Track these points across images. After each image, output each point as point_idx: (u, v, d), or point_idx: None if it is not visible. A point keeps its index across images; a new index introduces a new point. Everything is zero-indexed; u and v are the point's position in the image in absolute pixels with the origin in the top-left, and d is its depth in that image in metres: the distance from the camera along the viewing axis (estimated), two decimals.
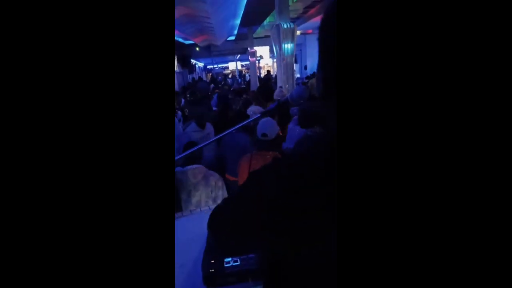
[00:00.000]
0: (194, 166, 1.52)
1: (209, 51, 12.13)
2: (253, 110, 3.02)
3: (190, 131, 2.43)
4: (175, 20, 5.50)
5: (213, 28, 6.80)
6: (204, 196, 1.49)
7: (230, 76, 16.52)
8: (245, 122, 0.82)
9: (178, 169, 1.53)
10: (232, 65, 18.72)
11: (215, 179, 1.54)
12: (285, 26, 3.95)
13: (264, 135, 1.64)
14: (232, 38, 10.75)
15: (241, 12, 5.94)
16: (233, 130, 0.80)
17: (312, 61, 10.28)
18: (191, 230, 0.97)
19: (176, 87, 9.25)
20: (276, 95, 3.67)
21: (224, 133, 0.86)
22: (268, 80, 6.27)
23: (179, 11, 4.75)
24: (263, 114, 0.82)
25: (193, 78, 11.66)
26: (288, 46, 4.08)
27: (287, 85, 4.26)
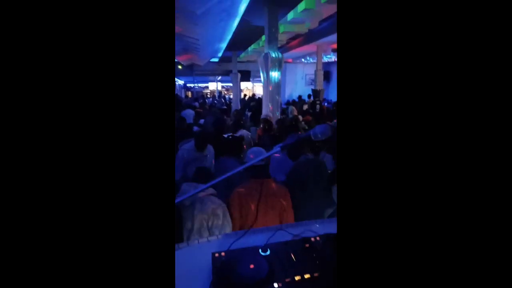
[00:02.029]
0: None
1: (191, 70, 12.19)
2: (242, 134, 3.04)
3: (186, 148, 2.32)
4: None
5: (199, 49, 6.90)
6: (198, 224, 1.39)
7: (209, 95, 16.58)
8: (261, 158, 0.82)
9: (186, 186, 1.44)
10: (212, 85, 18.87)
11: (214, 206, 1.43)
12: (273, 55, 4.14)
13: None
14: (215, 59, 10.96)
15: (228, 37, 6.13)
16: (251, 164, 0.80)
17: (291, 88, 10.75)
18: (185, 267, 0.90)
19: None
20: (262, 117, 3.76)
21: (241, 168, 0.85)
22: (259, 104, 6.42)
23: None
24: (282, 149, 0.83)
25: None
26: (275, 74, 4.25)
27: (272, 109, 4.38)
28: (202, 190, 1.37)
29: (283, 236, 0.95)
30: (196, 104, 7.42)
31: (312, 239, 0.86)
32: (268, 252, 0.87)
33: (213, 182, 0.85)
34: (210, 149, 2.42)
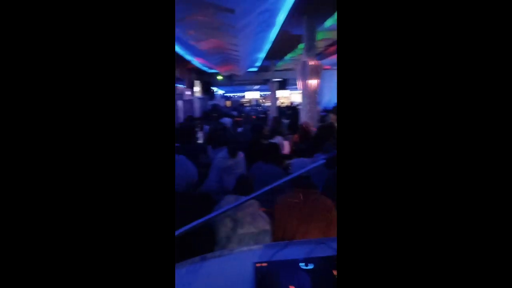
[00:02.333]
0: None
1: (230, 80, 12.64)
2: (278, 141, 3.05)
3: (220, 157, 2.42)
4: (205, 51, 5.84)
5: (239, 60, 7.14)
6: (247, 238, 1.41)
7: (247, 104, 16.97)
8: (306, 169, 0.82)
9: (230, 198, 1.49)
10: (248, 95, 19.29)
11: (263, 223, 1.43)
12: (312, 63, 4.11)
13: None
14: (254, 69, 11.23)
15: (267, 47, 6.25)
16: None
17: (329, 95, 10.47)
18: (227, 275, 0.92)
19: (198, 112, 9.57)
20: (300, 125, 3.74)
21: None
22: (295, 112, 6.43)
23: (210, 44, 5.05)
24: (327, 161, 0.81)
25: (213, 105, 12.12)
26: (313, 82, 4.20)
27: (311, 117, 4.32)
28: (245, 202, 1.40)
29: (324, 251, 0.93)
30: (234, 113, 7.64)
31: None
32: (311, 266, 0.85)
33: (257, 193, 0.87)
34: (240, 155, 2.48)
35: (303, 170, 0.82)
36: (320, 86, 4.45)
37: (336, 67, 9.75)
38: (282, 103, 13.28)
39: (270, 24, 4.29)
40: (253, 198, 1.15)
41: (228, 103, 17.16)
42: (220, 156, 2.43)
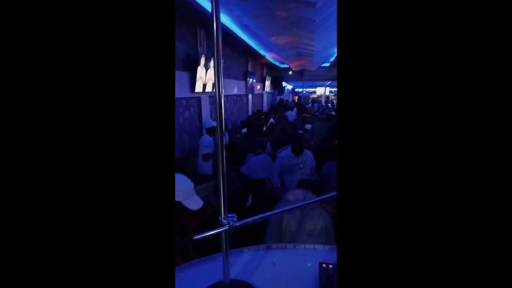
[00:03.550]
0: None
1: (301, 75, 12.48)
2: None
3: (284, 156, 2.33)
4: (279, 46, 5.89)
5: (312, 54, 6.97)
6: (316, 234, 1.40)
7: (316, 101, 16.51)
8: None
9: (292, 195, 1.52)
10: (319, 90, 18.68)
11: (327, 218, 1.43)
12: None
13: None
14: (326, 64, 10.78)
15: None
16: None
17: None
18: (291, 269, 0.93)
19: (266, 107, 9.81)
20: None
21: None
22: None
23: (286, 39, 5.06)
24: None
25: (280, 99, 12.23)
26: None
27: None
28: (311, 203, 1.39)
29: None
30: (296, 109, 7.53)
31: None
32: None
33: (323, 197, 0.85)
34: (308, 154, 2.30)
35: None
36: None
37: None
38: None
39: None
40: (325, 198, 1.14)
41: (296, 98, 17.01)
42: (283, 154, 2.33)
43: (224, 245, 0.70)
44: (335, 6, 3.17)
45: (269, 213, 0.88)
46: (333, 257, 0.95)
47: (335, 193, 0.87)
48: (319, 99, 17.10)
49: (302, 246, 1.07)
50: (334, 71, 10.90)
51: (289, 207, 1.20)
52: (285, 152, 2.36)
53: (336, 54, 8.15)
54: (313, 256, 0.97)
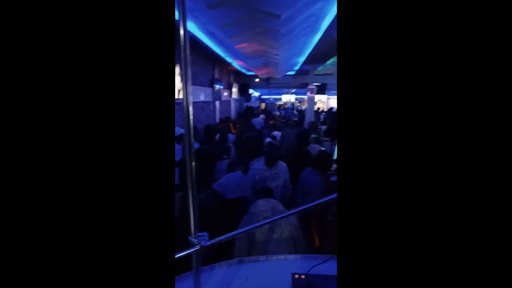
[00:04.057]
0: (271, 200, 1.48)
1: (267, 83, 12.73)
2: (315, 149, 2.97)
3: (257, 168, 2.21)
4: (246, 54, 5.96)
5: (278, 63, 7.16)
6: (284, 241, 1.38)
7: (282, 108, 16.93)
8: None
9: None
10: (285, 97, 19.22)
11: (294, 224, 1.41)
12: None
13: None
14: (292, 73, 11.17)
15: (308, 51, 6.17)
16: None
17: None
18: (263, 282, 0.91)
19: (234, 114, 9.80)
20: None
21: None
22: (334, 117, 6.30)
23: (252, 47, 5.13)
24: None
25: (247, 106, 12.33)
26: None
27: None
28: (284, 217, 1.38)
29: None
30: (263, 116, 7.69)
31: None
32: None
33: (297, 209, 0.86)
34: (281, 166, 2.22)
35: None
36: None
37: None
38: (318, 108, 13.04)
39: (314, 29, 4.23)
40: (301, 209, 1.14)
41: (263, 105, 17.30)
42: (256, 166, 2.22)
43: (195, 266, 0.66)
44: (298, 19, 3.30)
45: (243, 229, 0.85)
46: (305, 267, 0.95)
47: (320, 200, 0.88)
48: (285, 106, 17.58)
49: (274, 257, 1.06)
50: (299, 79, 11.31)
51: (278, 216, 1.18)
52: (258, 164, 2.26)
53: (300, 63, 8.48)
54: (285, 267, 0.96)
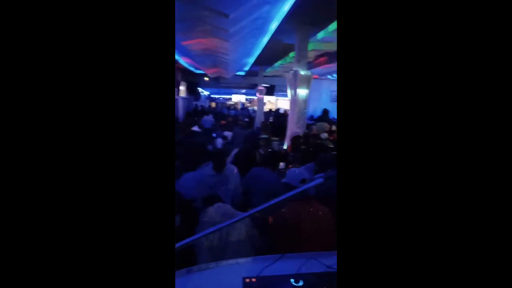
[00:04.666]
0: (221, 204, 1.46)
1: (217, 83, 12.56)
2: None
3: (206, 174, 2.11)
4: (194, 52, 5.76)
5: (228, 64, 7.12)
6: (242, 244, 1.36)
7: (232, 108, 16.92)
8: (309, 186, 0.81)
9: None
10: (235, 97, 19.28)
11: (248, 225, 1.41)
12: (302, 73, 4.18)
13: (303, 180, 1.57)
14: (242, 73, 11.25)
15: (257, 52, 6.28)
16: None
17: (315, 104, 10.72)
18: (220, 286, 0.88)
19: (181, 112, 9.41)
20: (293, 135, 3.80)
21: None
22: (283, 118, 6.52)
23: (200, 45, 4.99)
24: (326, 179, 0.82)
25: (195, 105, 11.97)
26: (303, 91, 4.27)
27: (299, 125, 4.39)
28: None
29: (316, 267, 0.92)
30: (211, 115, 7.67)
31: None
32: (301, 283, 0.84)
33: (253, 211, 0.85)
34: (230, 169, 2.15)
35: (303, 188, 0.82)
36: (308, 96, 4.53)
37: (324, 77, 10.00)
38: (270, 109, 13.41)
39: (262, 31, 4.31)
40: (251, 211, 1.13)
41: (213, 104, 17.04)
42: (205, 172, 2.11)
43: None
44: (246, 20, 3.32)
45: (198, 235, 0.80)
46: (255, 270, 0.95)
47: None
48: (236, 106, 17.61)
49: (225, 262, 1.04)
50: (249, 79, 11.45)
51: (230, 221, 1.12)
52: (206, 169, 2.15)
53: (249, 64, 8.59)
54: (236, 271, 0.94)
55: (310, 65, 8.34)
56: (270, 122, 7.50)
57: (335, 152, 2.59)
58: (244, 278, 0.91)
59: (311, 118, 8.03)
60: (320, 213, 1.45)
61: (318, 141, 3.18)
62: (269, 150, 2.74)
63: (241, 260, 1.06)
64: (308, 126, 5.26)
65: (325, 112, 7.22)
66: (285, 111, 10.66)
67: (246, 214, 1.08)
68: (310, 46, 5.20)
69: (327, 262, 0.95)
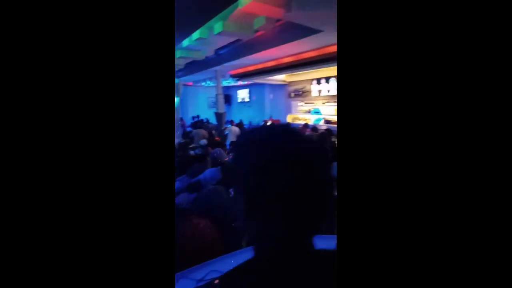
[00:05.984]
0: None
1: None
2: None
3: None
4: None
5: None
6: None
7: None
8: None
9: None
10: None
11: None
12: None
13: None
14: None
15: None
16: None
17: (193, 110, 10.73)
18: None
19: None
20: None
21: None
22: None
23: None
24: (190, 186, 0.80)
25: None
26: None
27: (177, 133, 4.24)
28: None
29: (187, 285, 0.89)
30: None
31: (216, 281, 0.83)
32: None
33: None
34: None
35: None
36: (181, 102, 4.45)
37: (199, 84, 10.11)
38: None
39: None
40: None
41: None
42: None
43: None
44: None
45: None
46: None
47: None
48: None
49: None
50: None
51: None
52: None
53: None
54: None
55: (182, 73, 8.24)
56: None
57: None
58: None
59: (191, 125, 7.99)
60: (202, 225, 1.43)
61: (192, 152, 3.16)
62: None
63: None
64: (187, 134, 5.18)
65: (200, 119, 7.33)
66: None
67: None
68: (178, 54, 5.14)
69: (198, 275, 0.94)
